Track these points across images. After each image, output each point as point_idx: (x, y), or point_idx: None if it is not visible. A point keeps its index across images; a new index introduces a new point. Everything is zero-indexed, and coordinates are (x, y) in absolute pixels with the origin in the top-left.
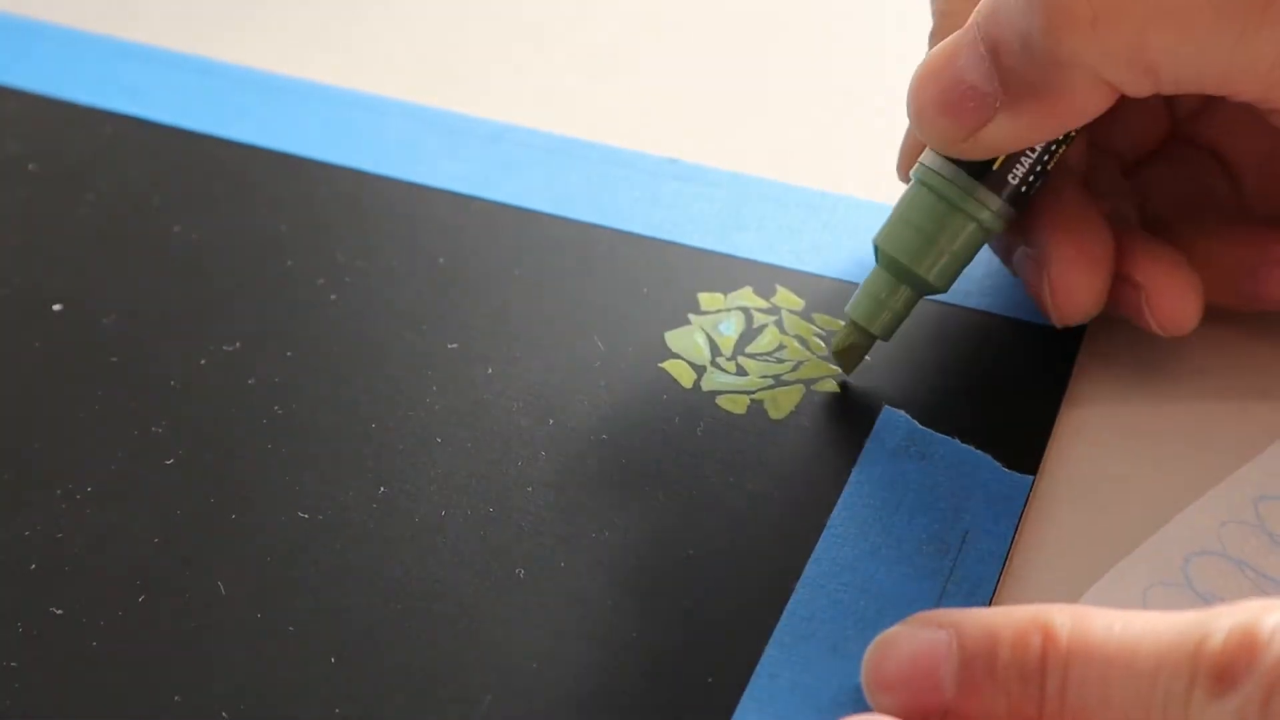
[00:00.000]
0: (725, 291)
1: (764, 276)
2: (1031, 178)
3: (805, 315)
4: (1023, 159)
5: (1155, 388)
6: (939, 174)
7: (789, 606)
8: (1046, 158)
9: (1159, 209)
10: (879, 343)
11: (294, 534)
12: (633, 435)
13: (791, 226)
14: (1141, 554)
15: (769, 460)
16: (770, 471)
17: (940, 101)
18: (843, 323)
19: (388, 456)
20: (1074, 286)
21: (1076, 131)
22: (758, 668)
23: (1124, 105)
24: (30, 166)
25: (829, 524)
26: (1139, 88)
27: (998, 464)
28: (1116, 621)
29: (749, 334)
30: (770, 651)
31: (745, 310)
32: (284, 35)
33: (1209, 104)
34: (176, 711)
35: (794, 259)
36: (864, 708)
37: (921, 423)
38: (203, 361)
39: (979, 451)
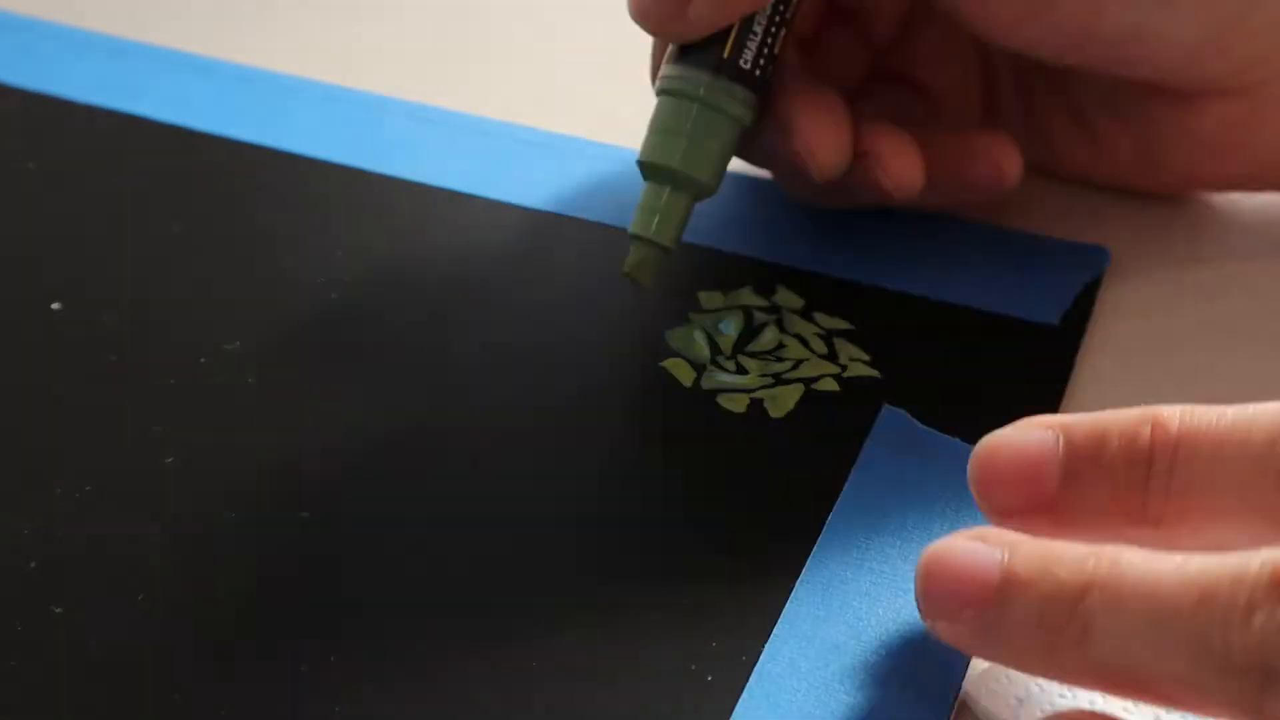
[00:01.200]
0: (725, 290)
1: (764, 275)
2: (762, 61)
3: (805, 314)
4: (749, 43)
5: (1155, 386)
6: (676, 78)
7: (789, 606)
8: (770, 40)
9: None
10: (882, 350)
11: (294, 534)
12: (633, 434)
13: (792, 225)
14: None
15: (769, 459)
16: (770, 470)
17: None
18: (839, 318)
19: (388, 456)
20: (824, 137)
21: (790, 12)
22: (758, 667)
23: (825, 43)
24: (29, 164)
25: (829, 523)
26: None
27: None
28: (1228, 410)
29: (749, 333)
30: (770, 650)
31: (745, 309)
32: (283, 34)
33: (903, 36)
34: (177, 710)
35: (794, 257)
36: (865, 706)
37: (921, 422)
38: (202, 360)
39: None
